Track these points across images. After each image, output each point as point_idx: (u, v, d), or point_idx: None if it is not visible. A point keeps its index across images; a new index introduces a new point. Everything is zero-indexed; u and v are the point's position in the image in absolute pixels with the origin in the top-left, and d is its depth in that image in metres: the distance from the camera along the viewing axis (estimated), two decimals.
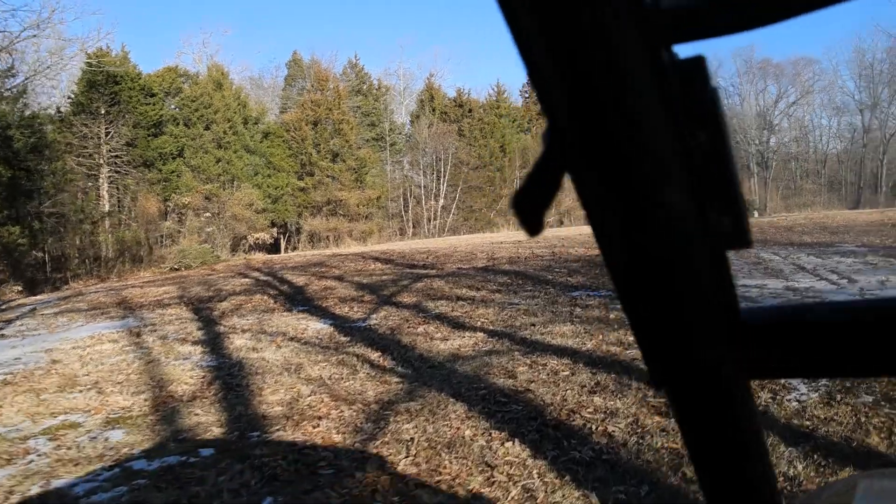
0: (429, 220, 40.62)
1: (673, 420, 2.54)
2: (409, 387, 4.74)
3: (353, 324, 7.58)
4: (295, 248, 35.85)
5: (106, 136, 24.38)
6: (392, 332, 6.94)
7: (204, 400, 4.78)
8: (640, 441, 3.31)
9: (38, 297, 13.68)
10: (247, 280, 13.29)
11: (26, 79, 19.42)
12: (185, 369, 5.76)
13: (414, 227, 41.30)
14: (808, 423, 3.41)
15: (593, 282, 9.39)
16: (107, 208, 24.64)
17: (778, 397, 3.80)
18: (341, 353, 5.99)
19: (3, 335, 8.48)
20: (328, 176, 33.58)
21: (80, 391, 5.21)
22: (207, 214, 26.13)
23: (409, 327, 7.11)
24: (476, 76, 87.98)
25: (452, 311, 7.89)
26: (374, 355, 5.87)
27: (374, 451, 3.51)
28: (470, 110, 40.93)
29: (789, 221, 23.00)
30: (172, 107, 27.81)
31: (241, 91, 33.89)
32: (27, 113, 17.66)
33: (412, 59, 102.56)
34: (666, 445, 3.20)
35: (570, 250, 14.51)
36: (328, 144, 33.81)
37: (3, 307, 12.15)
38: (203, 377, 5.46)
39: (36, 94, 23.33)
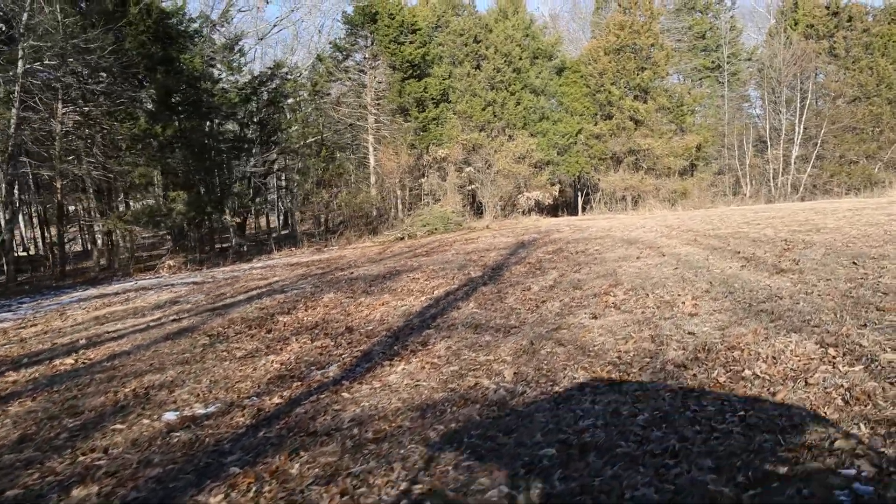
0: (775, 175, 30.20)
1: None
2: None
3: None
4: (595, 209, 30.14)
5: (371, 81, 22.24)
6: None
7: None
8: None
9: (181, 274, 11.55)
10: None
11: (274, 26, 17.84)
12: None
13: (752, 183, 31.39)
14: None
15: None
16: (372, 163, 22.77)
17: None
18: None
19: None
20: (630, 118, 26.57)
21: None
22: (469, 169, 22.32)
23: None
24: None
25: None
26: None
27: None
28: (850, 19, 28.39)
29: None
30: (437, 45, 24.27)
31: (534, 20, 28.78)
32: (240, 61, 15.77)
33: None
34: None
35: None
36: (633, 78, 26.60)
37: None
38: None
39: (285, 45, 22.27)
